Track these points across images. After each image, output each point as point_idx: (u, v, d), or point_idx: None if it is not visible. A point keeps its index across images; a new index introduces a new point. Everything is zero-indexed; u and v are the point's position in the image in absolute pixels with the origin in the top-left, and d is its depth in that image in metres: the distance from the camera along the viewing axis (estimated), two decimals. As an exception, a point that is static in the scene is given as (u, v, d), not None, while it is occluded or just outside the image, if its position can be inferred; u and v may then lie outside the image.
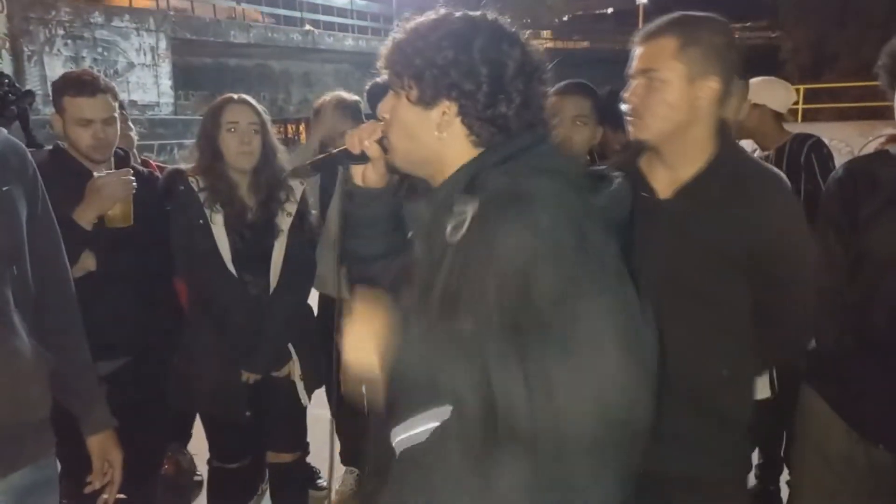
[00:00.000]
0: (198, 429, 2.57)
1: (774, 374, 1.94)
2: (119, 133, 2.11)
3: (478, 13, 1.03)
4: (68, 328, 1.50)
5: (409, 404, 0.96)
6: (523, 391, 0.84)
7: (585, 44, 25.95)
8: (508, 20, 1.04)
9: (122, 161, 2.17)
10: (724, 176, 1.44)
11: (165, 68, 12.62)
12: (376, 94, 2.11)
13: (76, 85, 2.00)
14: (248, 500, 2.41)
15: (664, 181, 1.48)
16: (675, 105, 1.43)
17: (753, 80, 2.59)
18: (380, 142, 1.11)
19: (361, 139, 1.12)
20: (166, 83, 12.64)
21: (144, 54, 12.20)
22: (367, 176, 1.16)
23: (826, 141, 2.77)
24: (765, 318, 1.49)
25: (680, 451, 1.47)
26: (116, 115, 2.07)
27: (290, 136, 18.37)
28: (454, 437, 0.90)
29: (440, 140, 1.01)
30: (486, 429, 0.87)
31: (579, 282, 0.87)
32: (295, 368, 2.19)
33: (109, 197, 1.91)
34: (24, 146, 1.42)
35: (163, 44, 12.53)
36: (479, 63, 0.98)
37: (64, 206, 1.76)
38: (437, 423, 0.92)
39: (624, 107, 1.47)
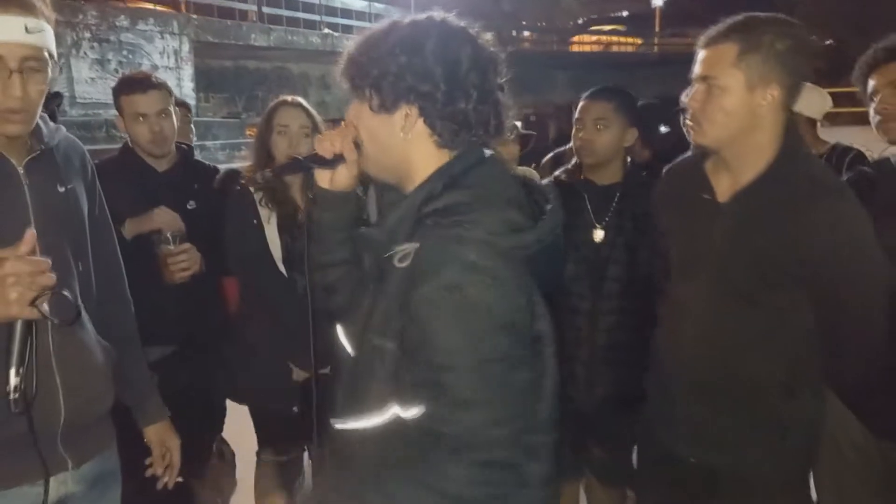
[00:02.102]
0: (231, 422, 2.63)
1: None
2: (176, 128, 2.19)
3: (424, 15, 1.06)
4: (124, 322, 1.56)
5: (357, 402, 1.05)
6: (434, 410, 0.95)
7: (599, 46, 25.90)
8: (455, 16, 1.07)
9: (185, 155, 2.27)
10: (781, 182, 1.40)
11: (188, 71, 12.81)
12: None
13: (130, 83, 2.14)
14: (292, 498, 2.44)
15: (725, 185, 1.48)
16: (733, 113, 1.40)
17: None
18: (355, 143, 1.10)
19: (334, 142, 1.11)
20: (188, 85, 12.82)
21: (168, 57, 12.38)
22: (337, 180, 1.15)
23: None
24: (825, 334, 1.45)
25: (735, 451, 1.49)
26: (171, 109, 2.16)
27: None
28: (396, 436, 0.99)
29: (406, 141, 1.04)
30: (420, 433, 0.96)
31: (473, 350, 0.94)
32: None
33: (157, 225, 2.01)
34: (82, 146, 1.47)
35: (185, 47, 12.71)
36: (433, 64, 1.00)
37: (129, 201, 1.84)
38: (381, 420, 1.01)
39: (685, 110, 1.49)
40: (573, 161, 2.20)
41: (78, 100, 10.69)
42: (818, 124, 2.89)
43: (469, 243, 0.95)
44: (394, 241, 1.02)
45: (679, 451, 1.56)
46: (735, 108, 1.39)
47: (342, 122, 1.13)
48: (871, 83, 1.73)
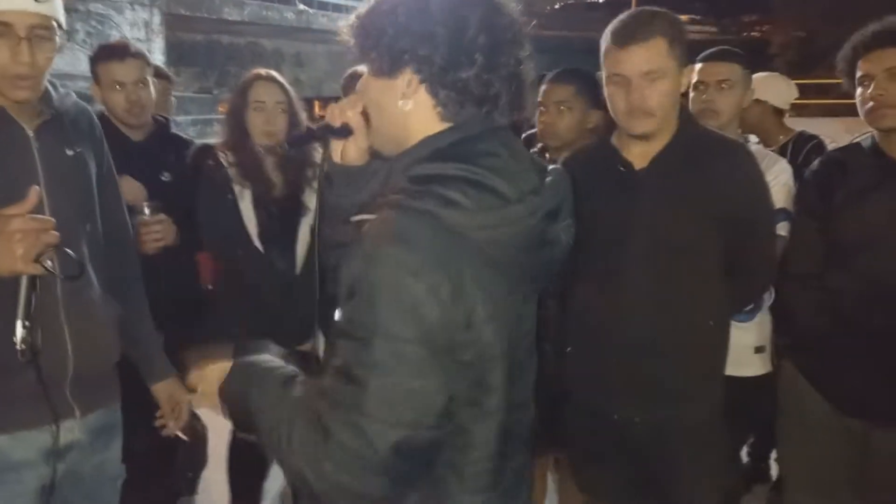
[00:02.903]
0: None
1: (771, 350, 2.06)
2: (153, 99, 2.17)
3: None
4: (131, 281, 1.61)
5: None
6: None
7: (578, 32, 25.90)
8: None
9: (161, 127, 2.24)
10: (690, 144, 1.60)
11: (159, 44, 12.52)
12: None
13: (108, 51, 2.13)
14: (265, 473, 2.45)
15: (638, 155, 1.62)
16: (675, 96, 1.58)
17: (755, 76, 2.66)
18: (363, 113, 1.06)
19: (343, 110, 1.09)
20: (159, 59, 12.49)
21: (138, 29, 12.09)
22: (346, 153, 1.12)
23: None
24: (736, 267, 1.64)
25: (672, 402, 1.61)
26: (148, 78, 2.13)
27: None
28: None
29: (406, 112, 0.97)
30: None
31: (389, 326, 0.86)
32: (319, 344, 2.17)
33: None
34: (90, 110, 1.51)
35: (157, 19, 12.42)
36: (435, 25, 0.92)
37: None
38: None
39: (625, 106, 1.56)
40: (538, 145, 2.23)
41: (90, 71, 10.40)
42: (785, 114, 2.97)
43: (411, 213, 0.88)
44: (365, 211, 0.97)
45: (613, 410, 1.65)
46: (677, 93, 1.58)
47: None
48: (863, 69, 1.72)
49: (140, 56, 2.13)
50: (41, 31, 1.22)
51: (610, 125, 1.72)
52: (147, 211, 1.99)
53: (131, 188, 2.01)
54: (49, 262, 1.18)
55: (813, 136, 2.88)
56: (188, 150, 2.28)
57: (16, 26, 1.19)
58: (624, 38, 1.53)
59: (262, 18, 15.39)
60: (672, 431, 1.63)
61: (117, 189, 1.59)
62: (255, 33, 15.53)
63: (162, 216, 2.01)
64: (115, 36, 11.54)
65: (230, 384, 1.05)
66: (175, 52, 13.21)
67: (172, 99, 2.87)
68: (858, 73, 1.73)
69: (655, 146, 1.60)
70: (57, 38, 1.27)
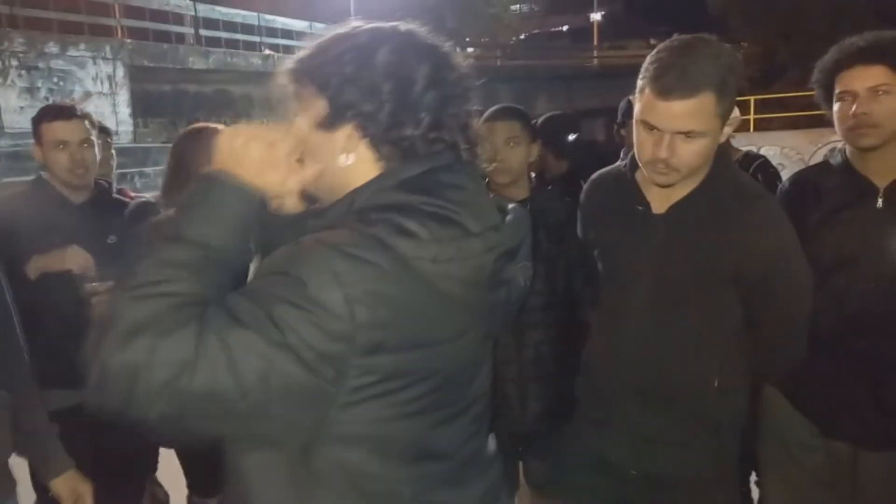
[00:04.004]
0: (167, 462, 2.53)
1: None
2: (97, 160, 2.12)
3: (390, 24, 0.93)
4: (15, 372, 1.49)
5: None
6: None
7: (542, 61, 26.39)
8: (426, 30, 0.93)
9: (104, 192, 2.19)
10: (716, 193, 1.47)
11: (123, 96, 12.45)
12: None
13: (52, 111, 2.09)
14: None
15: (660, 196, 1.51)
16: (711, 155, 1.44)
17: None
18: (298, 161, 0.99)
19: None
20: (125, 111, 12.46)
21: (102, 83, 12.03)
22: (283, 201, 1.05)
23: (778, 150, 2.89)
24: (757, 334, 1.53)
25: (671, 453, 1.53)
26: (94, 139, 2.09)
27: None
28: None
29: (347, 166, 0.92)
30: None
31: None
32: None
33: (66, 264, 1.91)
34: None
35: (120, 72, 12.38)
36: (382, 78, 0.88)
37: (44, 236, 1.76)
38: None
39: (650, 156, 1.41)
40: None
41: (6, 130, 10.27)
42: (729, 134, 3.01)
43: (359, 234, 0.82)
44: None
45: (615, 459, 1.57)
46: (713, 149, 1.42)
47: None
48: (844, 84, 1.65)
49: (86, 117, 2.10)
50: None
51: (542, 162, 1.67)
52: (95, 279, 1.92)
53: (77, 257, 1.94)
54: None
55: (758, 156, 2.90)
56: (114, 205, 2.22)
57: None
58: (665, 87, 1.32)
59: (228, 65, 15.41)
60: (668, 486, 1.55)
61: None
62: (222, 80, 15.52)
63: (111, 283, 1.94)
64: (78, 92, 11.48)
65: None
66: (141, 103, 13.14)
67: (112, 152, 2.82)
68: (838, 89, 1.67)
69: (679, 191, 1.49)
70: None
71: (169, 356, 0.76)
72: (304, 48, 0.95)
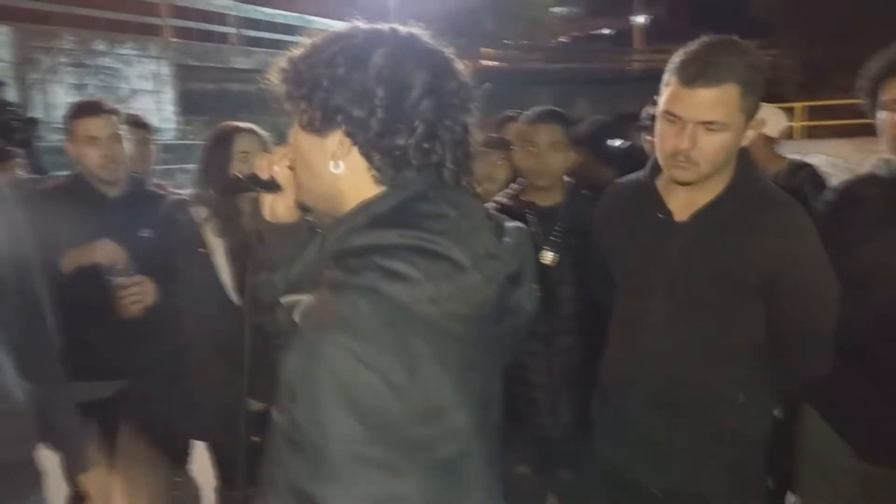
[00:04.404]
0: (198, 454, 2.55)
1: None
2: (127, 153, 2.16)
3: (389, 26, 0.89)
4: (45, 366, 1.49)
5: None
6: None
7: (583, 64, 26.17)
8: (428, 34, 0.89)
9: (138, 186, 2.22)
10: (740, 200, 1.43)
11: (168, 94, 12.73)
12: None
13: (81, 108, 2.17)
14: None
15: (681, 203, 1.47)
16: (733, 151, 1.41)
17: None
18: (291, 168, 0.97)
19: (271, 163, 1.00)
20: (169, 108, 12.73)
21: (147, 80, 12.31)
22: (274, 209, 1.03)
23: (825, 158, 2.80)
24: (779, 345, 1.49)
25: (692, 469, 1.49)
26: (123, 134, 2.12)
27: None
28: None
29: (336, 174, 0.88)
30: None
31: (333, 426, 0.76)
32: None
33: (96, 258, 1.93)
34: (6, 182, 1.46)
35: (165, 70, 12.65)
36: (375, 83, 0.84)
37: (78, 230, 1.80)
38: None
39: (671, 148, 1.40)
40: (514, 184, 2.21)
41: (55, 125, 10.60)
42: (777, 143, 2.92)
43: (350, 291, 0.78)
44: (297, 289, 0.88)
45: (636, 476, 1.53)
46: (735, 147, 1.40)
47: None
48: (887, 93, 1.61)
49: (114, 112, 2.14)
50: None
51: (584, 167, 1.64)
52: (124, 273, 1.95)
53: (108, 250, 1.98)
54: None
55: (804, 164, 2.81)
56: (152, 198, 2.25)
57: None
58: (690, 75, 1.33)
59: (270, 65, 15.62)
60: (691, 501, 1.51)
61: (30, 268, 1.48)
62: (263, 80, 15.75)
63: (139, 277, 1.98)
64: (124, 89, 11.76)
65: None
66: (185, 101, 13.40)
67: (152, 148, 2.87)
68: (883, 97, 1.61)
69: (701, 197, 1.45)
70: None
71: None
72: (298, 47, 0.91)
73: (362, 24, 0.90)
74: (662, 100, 1.41)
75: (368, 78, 0.84)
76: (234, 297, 2.10)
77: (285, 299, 0.91)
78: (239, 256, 2.09)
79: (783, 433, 1.87)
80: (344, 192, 0.89)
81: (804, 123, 13.15)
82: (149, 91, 12.36)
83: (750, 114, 1.37)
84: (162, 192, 2.43)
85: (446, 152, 0.88)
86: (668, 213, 1.49)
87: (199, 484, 2.70)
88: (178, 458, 2.53)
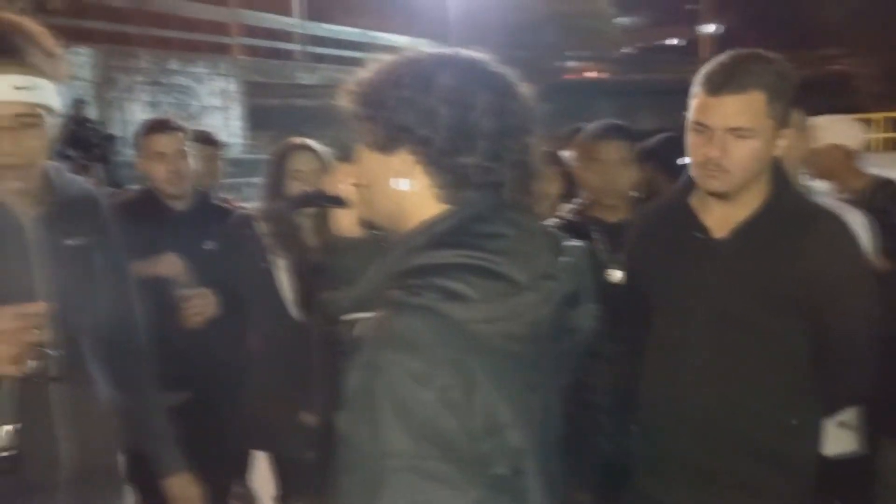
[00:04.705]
0: (258, 466, 2.58)
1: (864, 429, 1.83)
2: (193, 168, 2.22)
3: (454, 50, 0.92)
4: (142, 373, 1.55)
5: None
6: None
7: (647, 75, 25.77)
8: (493, 58, 0.91)
9: (203, 200, 2.28)
10: (780, 214, 1.41)
11: (236, 110, 13.17)
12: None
13: (150, 125, 2.26)
14: None
15: (718, 220, 1.44)
16: (764, 159, 1.39)
17: (822, 119, 2.48)
18: (357, 185, 1.00)
19: (338, 180, 1.06)
20: (237, 124, 13.17)
21: (217, 97, 12.77)
22: (342, 224, 1.09)
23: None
24: (824, 362, 1.43)
25: (740, 497, 1.42)
26: (189, 150, 2.19)
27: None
28: None
29: (401, 192, 0.90)
30: None
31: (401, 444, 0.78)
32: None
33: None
34: (99, 194, 1.50)
35: (234, 87, 13.10)
36: (439, 103, 0.86)
37: (145, 242, 1.86)
38: None
39: (701, 158, 1.39)
40: (579, 200, 2.16)
41: (132, 141, 11.10)
42: (856, 155, 2.75)
43: (409, 311, 0.80)
44: (360, 307, 0.90)
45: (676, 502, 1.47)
46: (766, 155, 1.37)
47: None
48: None
49: (181, 129, 2.21)
50: (26, 118, 1.18)
51: (652, 183, 1.59)
52: (188, 286, 1.99)
53: (171, 264, 2.02)
54: (34, 363, 1.13)
55: (889, 181, 2.64)
56: (228, 217, 2.30)
57: None
58: (716, 84, 1.34)
59: (334, 80, 15.87)
60: None
61: (126, 278, 1.54)
62: (328, 95, 15.96)
63: (201, 290, 2.02)
64: (195, 106, 12.24)
65: None
66: (253, 117, 13.83)
67: (220, 163, 2.94)
68: None
69: (740, 213, 1.41)
70: (48, 124, 1.23)
71: None
72: (366, 71, 0.94)
73: (427, 48, 0.94)
74: (690, 112, 1.41)
75: (433, 98, 0.87)
76: (294, 312, 2.12)
77: (348, 317, 0.95)
78: (300, 272, 2.12)
79: (864, 467, 1.76)
80: (407, 210, 0.91)
81: (884, 135, 12.55)
82: (218, 108, 12.82)
83: (780, 121, 1.36)
84: (227, 205, 2.49)
85: (507, 171, 0.90)
86: (706, 231, 1.45)
87: (258, 495, 2.73)
88: (239, 468, 2.57)
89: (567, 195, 2.60)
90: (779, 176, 1.45)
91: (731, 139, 1.33)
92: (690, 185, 1.49)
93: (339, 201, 1.07)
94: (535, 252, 0.88)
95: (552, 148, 2.84)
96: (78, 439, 1.30)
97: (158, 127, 2.21)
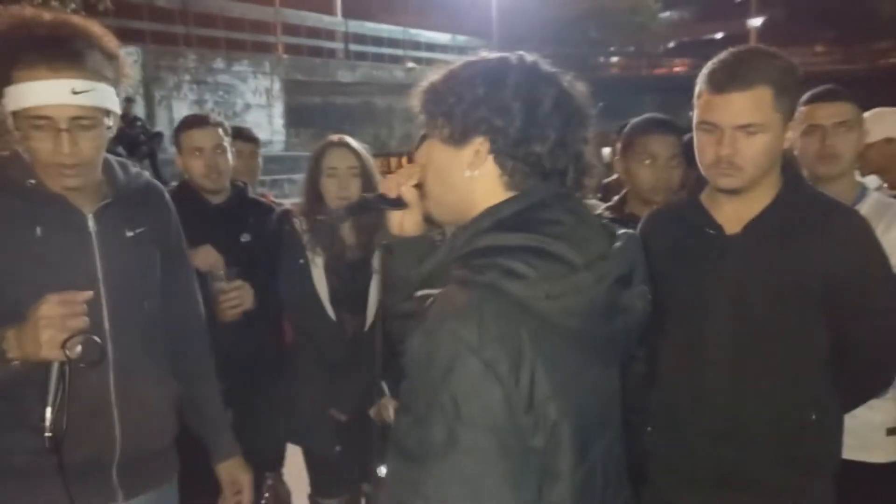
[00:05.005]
0: (292, 459, 2.60)
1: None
2: (231, 164, 2.25)
3: (516, 54, 1.00)
4: (197, 358, 1.59)
5: None
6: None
7: (690, 70, 25.26)
8: (549, 61, 1.00)
9: (240, 194, 2.31)
10: (792, 208, 1.39)
11: (278, 108, 13.39)
12: None
13: (189, 121, 2.27)
14: None
15: (731, 216, 1.42)
16: (774, 154, 1.37)
17: (878, 112, 2.39)
18: (417, 186, 1.07)
19: (399, 183, 1.09)
20: (279, 122, 13.39)
21: (260, 95, 12.99)
22: (404, 225, 1.12)
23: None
24: (844, 353, 1.40)
25: (758, 497, 1.39)
26: (227, 146, 2.21)
27: (392, 169, 18.96)
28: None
29: (471, 180, 0.97)
30: None
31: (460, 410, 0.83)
32: (388, 407, 2.11)
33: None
34: (160, 187, 1.55)
35: (276, 85, 13.31)
36: (511, 98, 0.94)
37: (185, 234, 1.90)
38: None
39: (712, 157, 1.38)
40: (619, 195, 2.10)
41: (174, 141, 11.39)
42: None
43: (473, 287, 0.87)
44: (428, 285, 0.96)
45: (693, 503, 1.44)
46: (777, 150, 1.36)
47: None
48: None
49: (219, 125, 2.23)
50: (84, 121, 1.24)
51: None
52: (224, 278, 2.01)
53: (208, 256, 2.05)
54: (78, 348, 1.17)
55: None
56: (265, 211, 2.34)
57: (55, 119, 1.22)
58: (721, 82, 1.33)
59: (373, 78, 16.11)
60: None
61: (186, 267, 1.59)
62: (367, 92, 16.24)
63: (239, 282, 2.04)
64: (239, 104, 12.46)
65: None
66: (294, 114, 14.03)
67: (259, 161, 2.96)
68: None
69: (752, 208, 1.40)
70: (106, 124, 1.29)
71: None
72: (435, 74, 1.01)
73: (490, 54, 1.01)
74: (696, 112, 1.39)
75: (506, 94, 0.95)
76: (329, 309, 2.15)
77: (419, 293, 1.00)
78: (334, 268, 2.13)
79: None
80: (476, 199, 0.97)
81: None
82: (261, 105, 13.04)
83: (787, 114, 1.35)
84: (264, 200, 2.52)
85: (569, 162, 0.98)
86: (719, 228, 1.42)
87: (291, 488, 2.76)
88: (273, 461, 2.59)
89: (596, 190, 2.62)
90: (789, 170, 1.43)
91: (741, 136, 1.32)
92: (701, 184, 1.48)
93: (398, 203, 1.10)
94: (591, 236, 0.95)
95: (599, 144, 2.80)
96: (133, 423, 1.35)
97: (196, 122, 2.23)
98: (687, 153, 2.03)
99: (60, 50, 1.20)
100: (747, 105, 1.31)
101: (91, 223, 1.32)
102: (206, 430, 1.58)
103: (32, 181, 1.27)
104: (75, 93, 1.21)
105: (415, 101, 1.02)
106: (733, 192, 1.39)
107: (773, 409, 1.37)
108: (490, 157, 0.96)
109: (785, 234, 1.37)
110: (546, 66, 1.00)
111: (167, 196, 1.54)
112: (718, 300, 1.40)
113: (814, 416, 1.38)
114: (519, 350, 0.85)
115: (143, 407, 1.36)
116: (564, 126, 0.96)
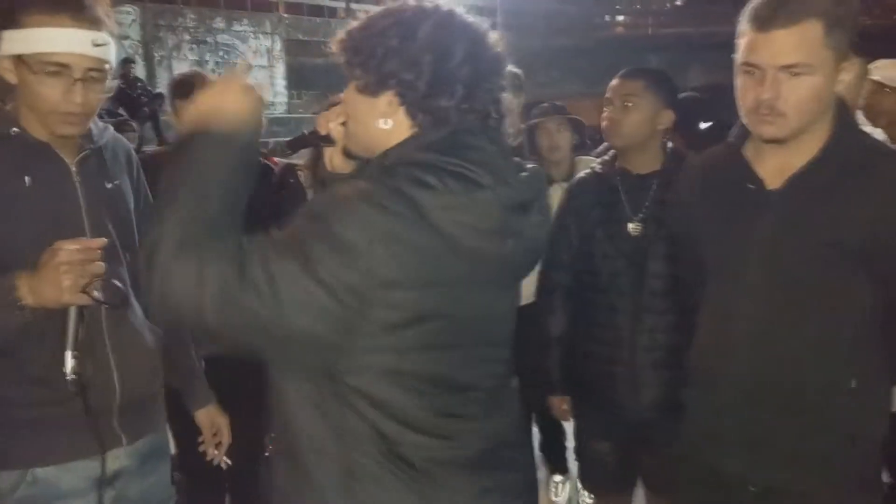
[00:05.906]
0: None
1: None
2: None
3: (432, 3, 1.02)
4: None
5: None
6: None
7: (696, 28, 24.79)
8: (465, 10, 1.03)
9: None
10: (840, 161, 1.27)
11: (280, 69, 13.24)
12: None
13: (183, 83, 2.32)
14: None
15: (774, 170, 1.31)
16: (825, 98, 1.24)
17: (880, 63, 2.36)
18: (344, 124, 1.11)
19: (328, 120, 1.13)
20: (281, 83, 13.26)
21: (261, 56, 12.84)
22: (333, 161, 1.17)
23: None
24: (891, 319, 1.30)
25: (801, 468, 1.34)
26: None
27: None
28: None
29: (385, 129, 1.02)
30: None
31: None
32: None
33: None
34: (128, 143, 1.58)
35: (278, 45, 13.15)
36: (422, 51, 0.97)
37: None
38: None
39: (752, 102, 1.26)
40: (609, 150, 2.07)
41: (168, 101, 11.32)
42: None
43: (378, 184, 0.93)
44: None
45: (729, 470, 1.38)
46: (827, 93, 1.23)
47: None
48: None
49: None
50: (95, 73, 1.27)
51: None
52: None
53: None
54: (96, 293, 1.21)
55: None
56: (266, 170, 2.35)
57: (73, 68, 1.24)
58: (763, 18, 1.19)
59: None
60: (791, 501, 1.35)
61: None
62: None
63: None
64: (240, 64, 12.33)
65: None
66: (295, 75, 13.88)
67: (262, 120, 2.97)
68: None
69: (796, 160, 1.27)
70: (108, 79, 1.32)
71: (216, 273, 0.89)
72: (354, 22, 1.04)
73: (409, 2, 1.03)
74: (738, 53, 1.27)
75: (417, 47, 0.98)
76: None
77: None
78: None
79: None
80: (388, 145, 1.02)
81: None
82: (263, 66, 12.90)
83: (840, 52, 1.20)
84: (267, 161, 2.54)
85: (489, 105, 1.02)
86: (759, 182, 1.32)
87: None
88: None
89: (579, 147, 2.69)
90: (841, 117, 1.29)
91: (784, 78, 1.19)
92: (745, 132, 1.36)
93: (328, 140, 1.15)
94: (505, 167, 1.01)
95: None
96: (128, 367, 1.39)
97: (193, 84, 2.26)
98: (680, 117, 1.98)
99: (83, 2, 1.24)
100: (793, 42, 1.17)
101: (75, 173, 1.34)
102: (181, 379, 1.63)
103: (16, 129, 1.28)
104: (96, 45, 1.25)
105: (334, 48, 1.04)
106: (775, 142, 1.27)
107: (805, 373, 1.30)
108: (401, 109, 1.00)
109: (829, 189, 1.26)
110: (462, 16, 1.02)
111: (133, 151, 1.57)
112: (756, 259, 1.32)
113: (853, 384, 1.29)
114: (399, 243, 0.90)
115: (136, 354, 1.40)
116: (475, 79, 0.99)
